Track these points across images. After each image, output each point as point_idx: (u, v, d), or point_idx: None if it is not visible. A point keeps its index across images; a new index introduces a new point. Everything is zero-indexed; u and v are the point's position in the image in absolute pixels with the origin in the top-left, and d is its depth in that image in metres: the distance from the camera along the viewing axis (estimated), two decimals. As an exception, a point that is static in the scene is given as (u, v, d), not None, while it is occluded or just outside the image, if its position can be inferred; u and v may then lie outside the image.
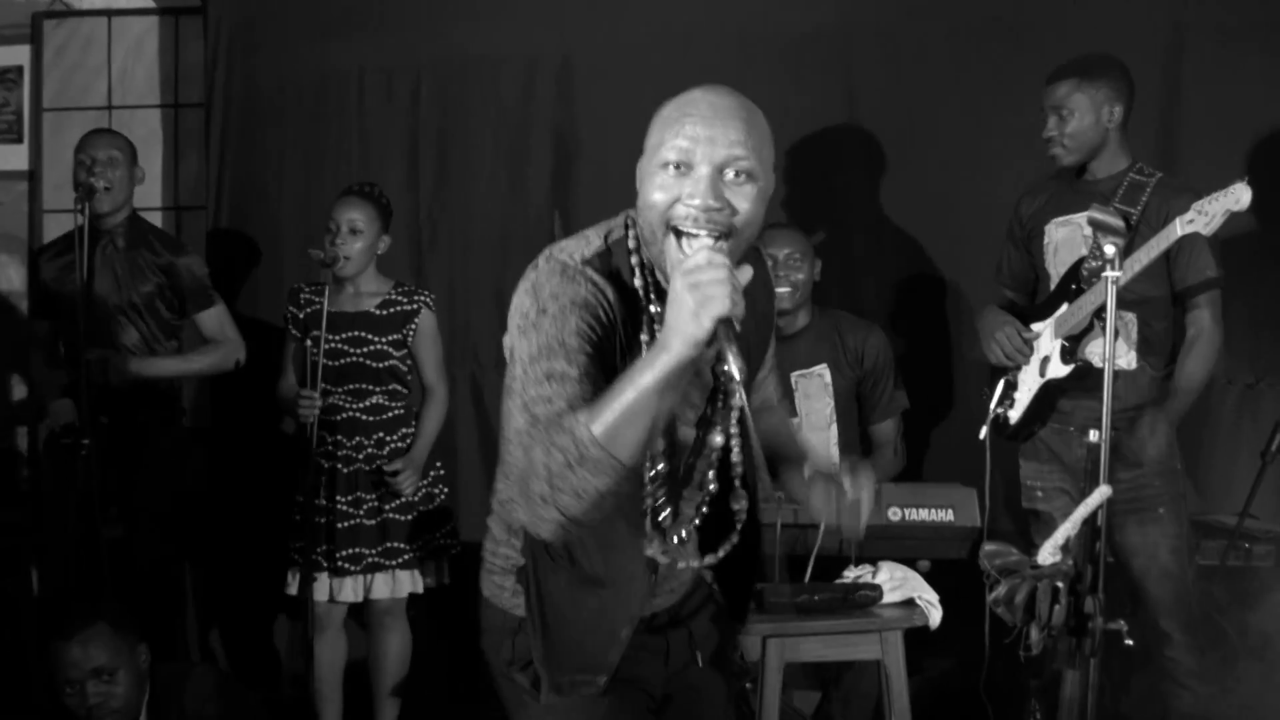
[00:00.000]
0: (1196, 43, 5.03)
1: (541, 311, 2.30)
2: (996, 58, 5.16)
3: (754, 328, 2.51)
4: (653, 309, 2.35)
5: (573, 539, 2.45)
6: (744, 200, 2.26)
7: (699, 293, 2.06)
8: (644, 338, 2.34)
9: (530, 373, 2.26)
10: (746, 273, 2.17)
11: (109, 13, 5.91)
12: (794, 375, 4.71)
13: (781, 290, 4.60)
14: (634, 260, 2.39)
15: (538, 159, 5.44)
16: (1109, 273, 3.00)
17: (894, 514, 4.15)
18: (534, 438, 2.21)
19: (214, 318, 5.05)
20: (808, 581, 3.99)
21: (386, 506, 4.72)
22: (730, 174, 2.26)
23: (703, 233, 2.23)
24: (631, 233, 2.41)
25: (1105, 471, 2.91)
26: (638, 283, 2.38)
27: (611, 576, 2.49)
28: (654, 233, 2.30)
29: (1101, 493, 2.73)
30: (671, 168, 2.27)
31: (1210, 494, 5.01)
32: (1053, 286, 4.29)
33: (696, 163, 2.25)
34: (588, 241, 2.41)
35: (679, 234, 2.25)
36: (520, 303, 2.34)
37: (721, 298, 2.05)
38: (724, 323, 2.06)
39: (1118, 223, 3.02)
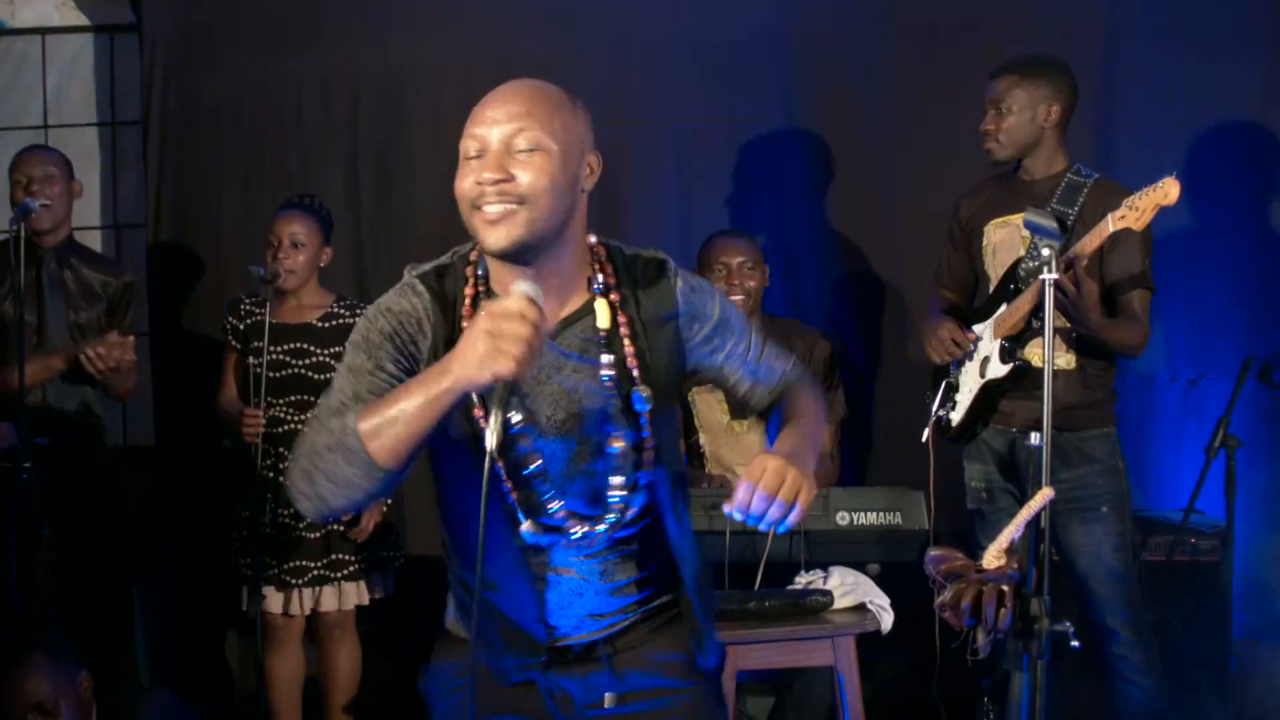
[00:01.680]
0: (1129, 43, 5.10)
1: (364, 313, 2.48)
2: (934, 60, 5.22)
3: (654, 346, 2.52)
4: None
5: (458, 534, 2.56)
6: (531, 170, 2.33)
7: (492, 342, 2.12)
8: None
9: (339, 369, 2.42)
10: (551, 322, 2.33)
11: (43, 31, 5.84)
12: None
13: (735, 298, 4.60)
14: (468, 270, 2.48)
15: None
16: (1046, 275, 3.01)
17: (842, 518, 4.16)
18: (318, 417, 2.33)
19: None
20: (758, 588, 3.99)
21: (330, 519, 4.68)
22: (516, 147, 2.34)
23: (495, 205, 2.31)
24: (475, 245, 2.48)
25: (1047, 473, 2.91)
26: (468, 290, 2.46)
27: (490, 579, 2.52)
28: (469, 225, 2.38)
29: (1045, 495, 2.73)
30: (471, 160, 2.37)
31: (1155, 490, 5.05)
32: (991, 288, 4.32)
33: (488, 144, 2.35)
34: (439, 258, 2.53)
35: (475, 209, 2.34)
36: None
37: (511, 356, 2.11)
38: (504, 383, 2.14)
39: (1052, 224, 3.02)
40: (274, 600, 4.68)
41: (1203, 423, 4.76)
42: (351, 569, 4.72)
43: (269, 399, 4.64)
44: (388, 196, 5.53)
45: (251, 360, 4.69)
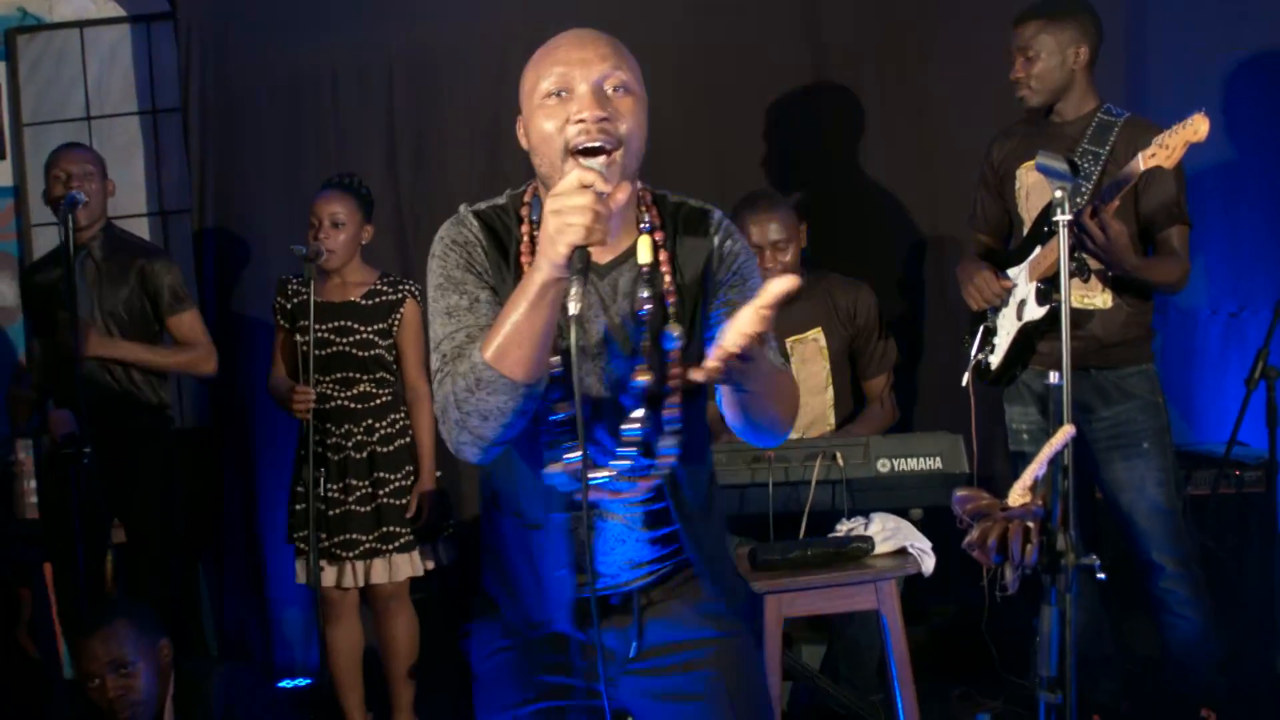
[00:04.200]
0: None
1: (431, 256, 2.50)
2: (962, 5, 5.19)
3: (689, 288, 2.53)
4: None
5: (504, 482, 2.57)
6: (626, 111, 2.36)
7: (559, 218, 2.14)
8: None
9: (434, 317, 2.42)
10: (624, 192, 2.24)
11: (81, 24, 5.95)
12: (789, 340, 4.73)
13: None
14: (523, 211, 2.51)
15: (514, 144, 5.42)
16: (1059, 216, 3.02)
17: (883, 465, 4.18)
18: (445, 372, 2.36)
19: (186, 322, 5.05)
20: (802, 537, 4.04)
21: (380, 492, 4.76)
22: (609, 89, 2.36)
23: (598, 143, 2.31)
24: (530, 186, 2.53)
25: (1069, 410, 2.93)
26: (523, 229, 2.49)
27: (537, 519, 2.53)
28: (553, 166, 2.39)
29: (1065, 432, 2.75)
30: (553, 97, 2.37)
31: (1201, 425, 5.05)
32: (1026, 230, 4.32)
33: (575, 84, 2.36)
34: (492, 199, 2.56)
35: (578, 154, 2.33)
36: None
37: (579, 225, 2.12)
38: (578, 250, 2.15)
39: (1063, 167, 3.03)
40: (328, 574, 4.76)
41: (1245, 355, 4.72)
42: (403, 540, 4.78)
43: (316, 376, 4.71)
44: (426, 173, 5.60)
45: (299, 338, 4.77)
